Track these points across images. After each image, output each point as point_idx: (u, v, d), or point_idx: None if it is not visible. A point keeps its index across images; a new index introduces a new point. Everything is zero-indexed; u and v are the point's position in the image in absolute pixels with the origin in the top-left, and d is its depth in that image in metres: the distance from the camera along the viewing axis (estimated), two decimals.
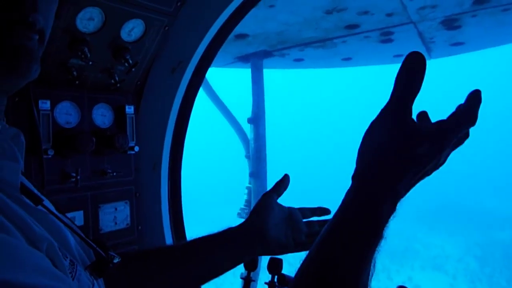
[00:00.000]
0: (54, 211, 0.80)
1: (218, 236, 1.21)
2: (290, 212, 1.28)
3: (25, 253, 0.53)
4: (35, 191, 0.78)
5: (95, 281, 0.73)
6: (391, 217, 0.76)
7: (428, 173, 0.79)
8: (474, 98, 0.76)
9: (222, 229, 1.23)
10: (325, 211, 1.33)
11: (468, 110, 0.75)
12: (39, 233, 0.60)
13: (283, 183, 1.30)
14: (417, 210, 25.90)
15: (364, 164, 0.78)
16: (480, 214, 26.55)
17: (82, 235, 0.81)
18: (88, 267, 0.76)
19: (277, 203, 1.27)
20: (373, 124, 0.78)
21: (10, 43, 0.66)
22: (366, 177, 0.77)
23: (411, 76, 0.74)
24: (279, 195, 1.29)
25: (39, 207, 0.70)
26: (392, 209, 0.75)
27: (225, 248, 1.20)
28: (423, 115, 0.80)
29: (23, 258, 0.51)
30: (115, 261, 0.82)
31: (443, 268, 19.17)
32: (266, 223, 1.21)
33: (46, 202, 0.77)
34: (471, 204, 29.70)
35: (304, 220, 1.30)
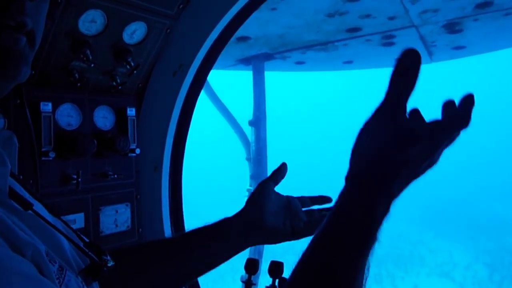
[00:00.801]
0: (46, 215, 0.79)
1: (214, 227, 1.19)
2: (289, 200, 1.25)
3: (8, 260, 0.52)
4: (26, 195, 0.76)
5: (85, 286, 0.72)
6: (385, 219, 0.75)
7: (422, 172, 0.78)
8: (468, 100, 0.76)
9: (219, 219, 1.21)
10: (326, 199, 1.30)
11: (462, 112, 0.75)
12: (24, 238, 0.59)
13: (280, 171, 1.27)
14: (423, 214, 25.05)
15: (357, 165, 0.78)
16: (490, 219, 25.74)
17: (74, 239, 0.80)
18: (81, 272, 0.76)
19: (274, 191, 1.24)
20: (366, 124, 0.77)
21: None
22: (359, 178, 0.77)
23: (405, 73, 0.73)
24: (276, 183, 1.26)
25: (30, 212, 0.69)
26: (386, 211, 0.75)
27: (221, 239, 1.18)
28: (415, 113, 0.78)
29: (6, 265, 0.50)
30: (110, 265, 0.81)
31: (450, 275, 18.59)
32: (262, 212, 1.18)
33: (38, 207, 0.76)
34: (481, 209, 28.89)
35: (304, 209, 1.27)
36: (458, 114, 0.75)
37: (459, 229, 23.86)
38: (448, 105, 0.77)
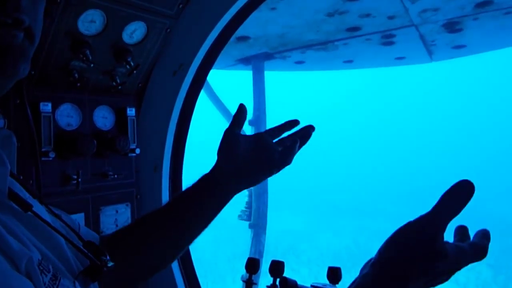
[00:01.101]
0: (46, 216, 0.79)
1: (197, 188, 1.20)
2: (257, 137, 1.24)
3: (4, 277, 0.52)
4: (25, 196, 0.76)
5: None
6: None
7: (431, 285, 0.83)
8: (486, 235, 0.86)
9: (198, 179, 1.21)
10: (293, 122, 1.28)
11: (483, 247, 0.83)
12: (17, 250, 0.59)
13: (240, 114, 1.25)
14: (424, 212, 25.42)
15: (386, 259, 0.83)
16: (494, 220, 24.70)
17: (73, 240, 0.80)
18: (81, 274, 0.76)
19: (240, 135, 1.23)
20: (408, 226, 0.82)
21: None
22: (385, 273, 0.82)
23: (456, 201, 0.79)
24: (240, 127, 1.25)
25: (29, 213, 0.69)
26: None
27: (207, 197, 1.19)
28: (462, 231, 0.87)
29: (6, 283, 0.51)
30: (109, 265, 0.81)
31: (454, 277, 18.07)
32: (235, 160, 1.18)
33: (38, 207, 0.76)
34: (484, 210, 28.12)
35: (275, 140, 1.26)
36: (480, 247, 0.83)
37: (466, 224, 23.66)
38: (461, 231, 0.87)
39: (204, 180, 1.20)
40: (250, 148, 1.20)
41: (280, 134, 1.28)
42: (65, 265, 0.74)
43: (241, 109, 1.25)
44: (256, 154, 1.20)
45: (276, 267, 1.50)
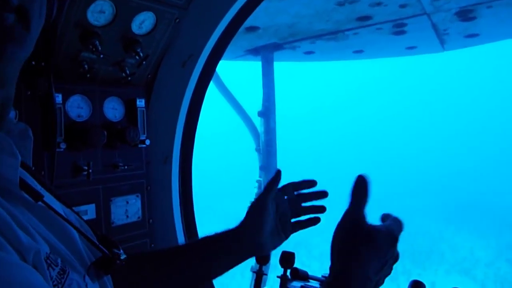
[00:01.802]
0: (58, 206, 0.79)
1: (213, 244, 1.22)
2: (277, 204, 1.26)
3: (15, 268, 0.52)
4: (36, 186, 0.76)
5: (89, 281, 0.72)
6: None
7: (379, 276, 0.94)
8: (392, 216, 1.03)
9: (220, 232, 1.22)
10: (311, 183, 1.31)
11: (397, 218, 1.01)
12: (25, 242, 0.58)
13: (275, 181, 1.25)
14: (444, 208, 23.81)
15: (336, 259, 0.97)
16: None
17: (86, 232, 0.79)
18: (92, 265, 0.75)
19: (271, 202, 1.23)
20: (338, 225, 0.98)
21: None
22: (342, 268, 0.95)
23: (359, 192, 0.97)
24: (272, 193, 1.25)
25: (40, 203, 0.69)
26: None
27: (220, 257, 1.22)
28: (384, 217, 1.03)
29: (10, 274, 0.50)
30: (122, 258, 0.81)
31: (471, 273, 17.42)
32: (260, 233, 1.20)
33: (48, 198, 0.76)
34: (504, 203, 27.28)
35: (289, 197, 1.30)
36: (395, 218, 1.00)
37: (481, 224, 22.74)
38: (384, 217, 1.03)
39: (225, 239, 1.22)
40: (274, 217, 1.24)
41: (296, 190, 1.31)
42: (77, 258, 0.73)
43: (277, 176, 1.26)
44: (276, 222, 1.25)
45: (287, 258, 1.50)
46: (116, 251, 0.81)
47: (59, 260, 0.64)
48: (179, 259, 1.22)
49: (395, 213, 1.01)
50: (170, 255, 1.24)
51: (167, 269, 1.19)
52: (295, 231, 1.29)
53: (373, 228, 0.95)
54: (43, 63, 1.53)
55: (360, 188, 0.97)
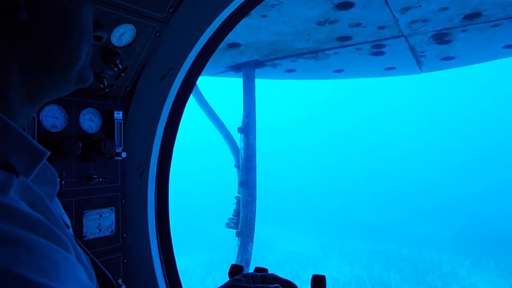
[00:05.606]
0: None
1: None
2: None
3: (72, 265, 0.59)
4: (64, 217, 0.81)
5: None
6: None
7: None
8: None
9: None
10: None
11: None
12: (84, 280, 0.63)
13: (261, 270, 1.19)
14: (457, 238, 19.83)
15: None
16: None
17: (98, 262, 0.84)
18: None
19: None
20: None
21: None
22: None
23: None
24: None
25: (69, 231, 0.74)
26: None
27: None
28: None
29: (68, 270, 0.57)
30: None
31: None
32: None
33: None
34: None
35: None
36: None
37: (502, 258, 17.51)
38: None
39: None
40: None
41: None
42: None
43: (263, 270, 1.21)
44: None
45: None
46: (119, 282, 0.88)
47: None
48: None
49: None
50: None
51: None
52: None
53: None
54: None
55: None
